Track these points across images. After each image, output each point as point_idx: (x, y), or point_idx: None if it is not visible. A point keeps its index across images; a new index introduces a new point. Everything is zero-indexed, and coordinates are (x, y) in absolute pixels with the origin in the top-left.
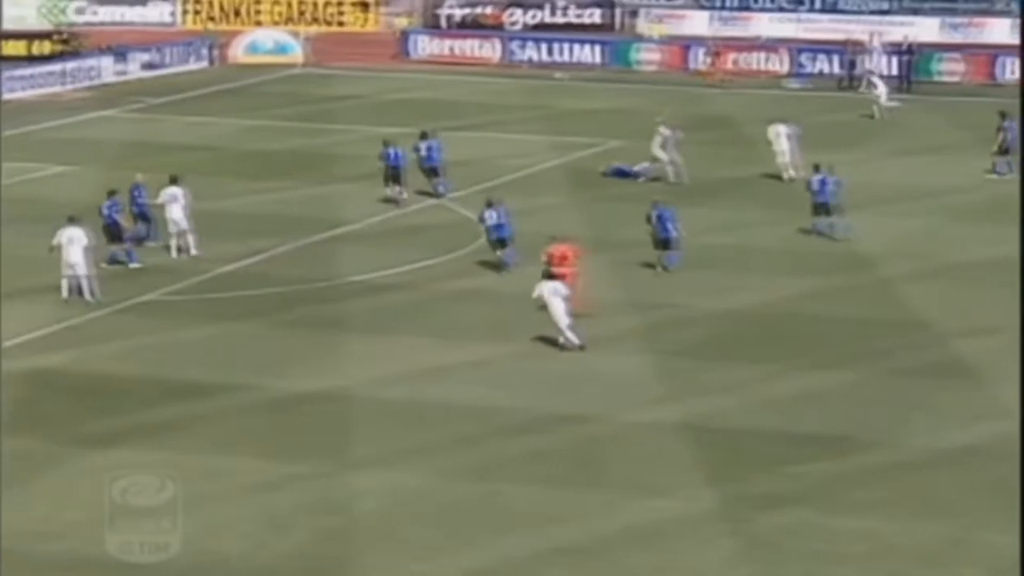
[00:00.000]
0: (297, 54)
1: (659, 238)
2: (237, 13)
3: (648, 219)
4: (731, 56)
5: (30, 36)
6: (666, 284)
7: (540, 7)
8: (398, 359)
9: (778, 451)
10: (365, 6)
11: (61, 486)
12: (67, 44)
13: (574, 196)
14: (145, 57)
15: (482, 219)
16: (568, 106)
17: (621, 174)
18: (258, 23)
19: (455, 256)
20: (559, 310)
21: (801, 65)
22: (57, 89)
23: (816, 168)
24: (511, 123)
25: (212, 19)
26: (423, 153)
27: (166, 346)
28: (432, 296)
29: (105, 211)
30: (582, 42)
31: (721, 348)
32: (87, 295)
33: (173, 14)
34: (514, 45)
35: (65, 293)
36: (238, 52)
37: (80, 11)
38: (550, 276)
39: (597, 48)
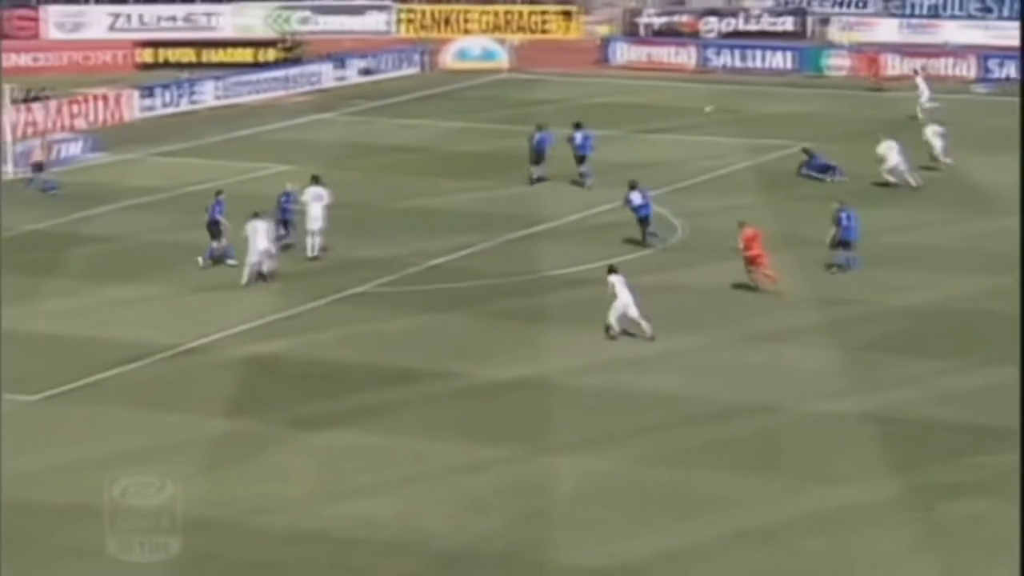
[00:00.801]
0: (503, 60)
1: (840, 239)
2: (447, 22)
3: (835, 220)
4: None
5: (256, 44)
6: (851, 281)
7: (735, 15)
8: (595, 349)
9: (961, 442)
10: (568, 15)
11: (280, 464)
12: (290, 52)
13: (764, 196)
14: (362, 63)
15: (627, 200)
16: (760, 110)
17: (818, 168)
18: (466, 31)
19: (649, 252)
20: (624, 301)
21: (988, 70)
22: (280, 94)
23: (841, 205)
24: (705, 126)
25: (424, 27)
26: (577, 142)
27: (377, 334)
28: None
29: (209, 211)
30: (774, 49)
31: (904, 343)
32: (267, 278)
33: (389, 23)
34: (709, 52)
35: (245, 280)
36: (448, 58)
37: (303, 20)
38: (612, 270)
39: (789, 54)
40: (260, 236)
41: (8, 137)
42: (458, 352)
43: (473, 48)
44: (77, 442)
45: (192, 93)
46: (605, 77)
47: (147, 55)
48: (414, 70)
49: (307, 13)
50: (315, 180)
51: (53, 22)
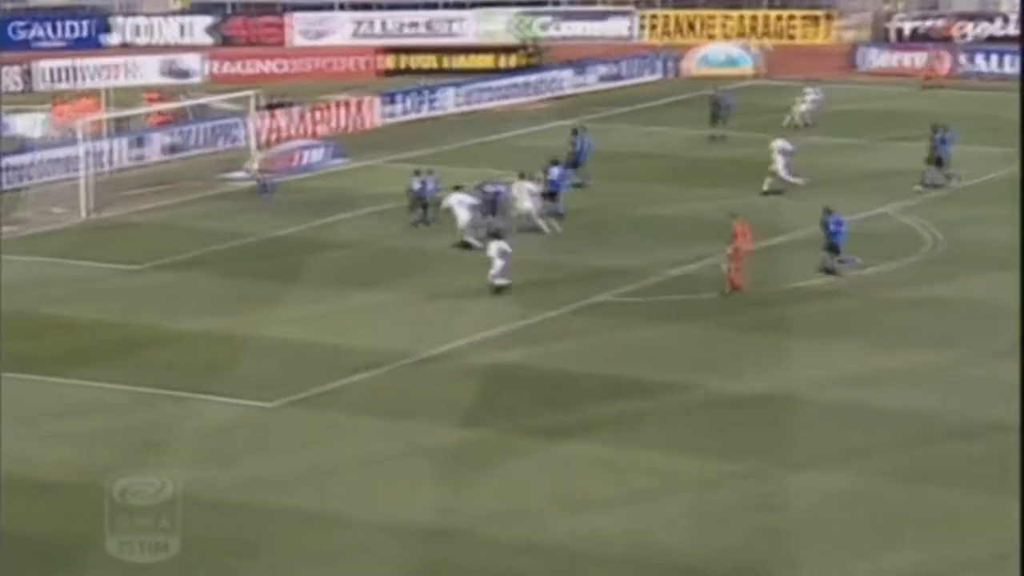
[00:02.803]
0: (748, 66)
1: (829, 242)
2: (692, 27)
3: (823, 224)
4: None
5: (498, 50)
6: None
7: (991, 20)
8: (840, 363)
9: None
10: (815, 19)
11: (514, 475)
12: (532, 57)
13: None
14: (603, 69)
15: (825, 224)
16: (1016, 117)
17: None
18: (711, 37)
19: (898, 264)
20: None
21: None
22: (521, 100)
23: (828, 211)
24: (959, 133)
25: (667, 33)
26: (576, 148)
27: (616, 345)
28: (876, 302)
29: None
30: None
31: None
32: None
33: (631, 28)
34: (963, 57)
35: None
36: (692, 65)
37: (545, 26)
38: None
39: None
40: (463, 209)
41: (253, 143)
42: (698, 364)
43: (718, 54)
44: (313, 448)
45: (433, 99)
46: (853, 83)
47: (389, 61)
48: (657, 76)
49: (549, 19)
50: (457, 188)
51: (298, 29)
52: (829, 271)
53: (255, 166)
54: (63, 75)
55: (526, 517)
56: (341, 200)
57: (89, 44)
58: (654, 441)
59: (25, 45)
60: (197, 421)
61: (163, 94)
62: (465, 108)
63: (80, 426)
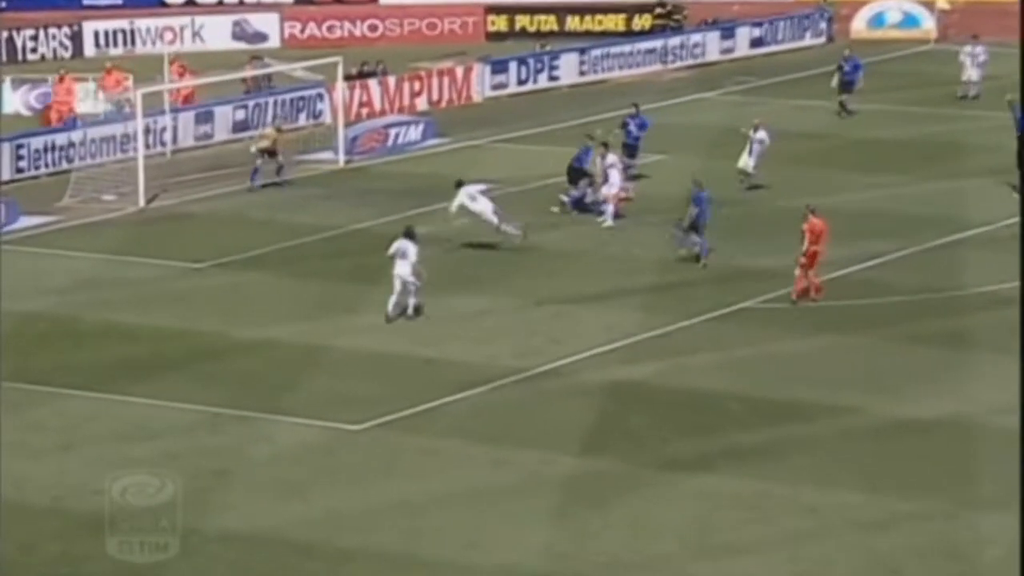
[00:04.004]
0: (929, 28)
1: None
2: None
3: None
4: None
5: (629, 9)
6: None
7: None
8: None
9: None
10: None
11: (642, 512)
12: (669, 18)
13: None
14: (755, 32)
15: None
16: None
17: None
18: None
19: None
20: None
21: None
22: (656, 68)
23: (699, 184)
24: None
25: None
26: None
27: (763, 360)
28: None
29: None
30: None
31: None
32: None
33: None
34: None
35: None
36: (860, 25)
37: None
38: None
39: None
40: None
41: (341, 120)
42: (861, 383)
43: (892, 13)
44: (404, 479)
45: (552, 68)
46: None
47: (500, 22)
48: (818, 40)
49: None
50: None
51: None
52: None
53: (254, 148)
54: (117, 39)
55: (656, 563)
56: (437, 188)
57: (149, 2)
58: (810, 474)
59: (75, 3)
60: (269, 446)
61: (187, 65)
62: (589, 78)
63: (135, 451)
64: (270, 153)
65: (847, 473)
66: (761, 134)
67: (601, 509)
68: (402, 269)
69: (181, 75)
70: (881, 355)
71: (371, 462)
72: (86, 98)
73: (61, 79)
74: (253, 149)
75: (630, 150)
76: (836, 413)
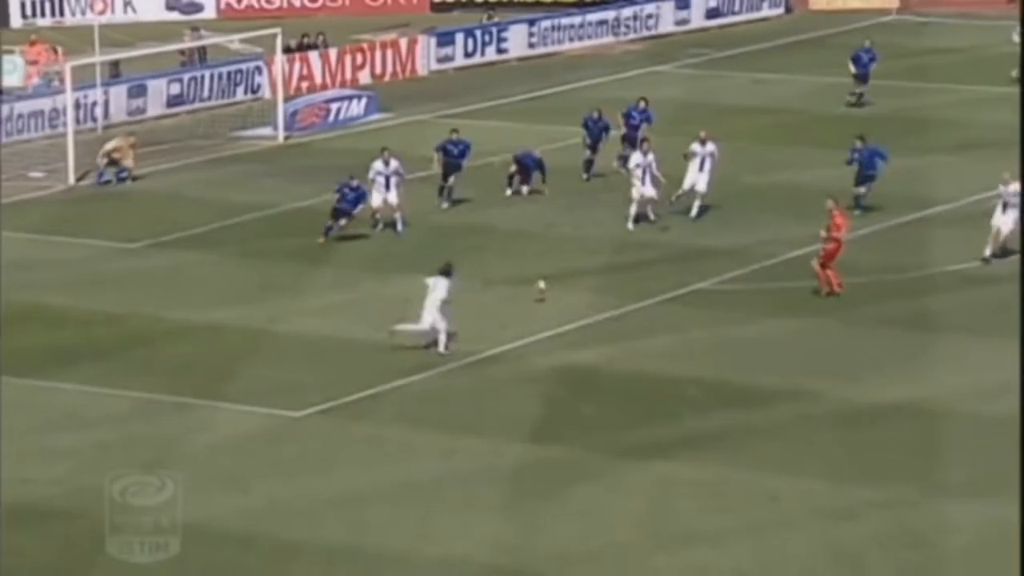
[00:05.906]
0: None
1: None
2: None
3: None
4: None
5: None
6: None
7: None
8: (998, 366)
9: None
10: None
11: (596, 502)
12: None
13: None
14: (710, 3)
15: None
16: None
17: None
18: None
19: None
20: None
21: None
22: (607, 40)
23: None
24: None
25: None
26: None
27: (720, 343)
28: None
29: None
30: None
31: None
32: None
33: None
34: None
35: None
36: None
37: None
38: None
39: None
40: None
41: (280, 94)
42: (822, 367)
43: None
44: (348, 468)
45: (500, 40)
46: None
47: None
48: (777, 11)
49: None
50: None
51: None
52: None
53: (101, 159)
54: (45, 9)
55: (611, 554)
56: None
57: None
58: (769, 461)
59: None
60: (208, 434)
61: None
62: (538, 51)
63: (67, 441)
64: (112, 162)
65: (809, 460)
66: (710, 147)
67: (552, 499)
68: (431, 308)
69: (45, 57)
70: (841, 337)
71: (314, 451)
72: (13, 71)
73: None
74: (100, 154)
75: (631, 141)
76: (797, 398)
